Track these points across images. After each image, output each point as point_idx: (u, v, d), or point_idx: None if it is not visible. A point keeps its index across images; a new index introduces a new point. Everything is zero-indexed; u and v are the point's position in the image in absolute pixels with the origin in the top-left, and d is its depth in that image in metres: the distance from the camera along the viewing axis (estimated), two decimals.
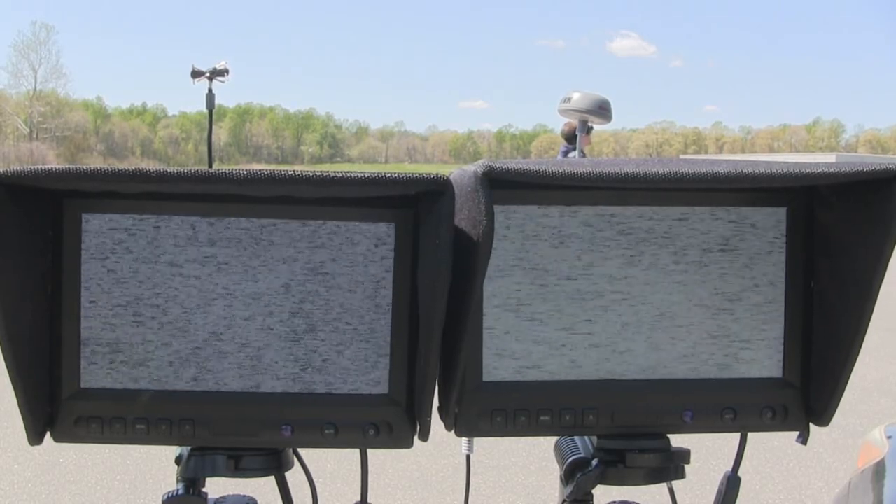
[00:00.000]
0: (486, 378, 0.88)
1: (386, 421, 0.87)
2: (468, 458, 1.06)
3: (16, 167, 0.74)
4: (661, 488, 0.97)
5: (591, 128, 5.50)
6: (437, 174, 0.78)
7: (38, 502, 3.37)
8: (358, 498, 0.96)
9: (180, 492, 0.89)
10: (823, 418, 0.91)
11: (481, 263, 0.77)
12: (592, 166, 0.81)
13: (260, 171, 0.75)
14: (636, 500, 1.00)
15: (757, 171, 0.80)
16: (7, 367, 0.78)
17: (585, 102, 3.73)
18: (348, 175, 0.76)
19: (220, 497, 0.96)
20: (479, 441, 1.02)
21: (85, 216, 0.83)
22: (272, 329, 0.86)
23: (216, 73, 7.90)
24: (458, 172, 0.84)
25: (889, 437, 1.81)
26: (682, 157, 1.54)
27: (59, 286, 0.84)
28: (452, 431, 0.90)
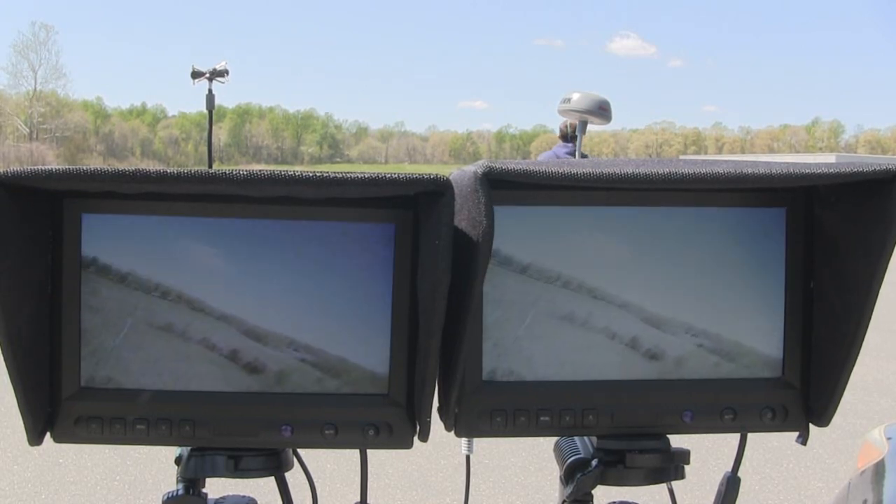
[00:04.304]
0: (485, 378, 0.88)
1: (386, 421, 0.87)
2: (468, 458, 1.06)
3: (15, 168, 0.74)
4: (660, 488, 0.97)
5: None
6: (436, 175, 0.78)
7: (38, 503, 3.37)
8: (357, 498, 0.96)
9: (180, 492, 0.89)
10: (823, 419, 0.91)
11: (481, 264, 0.77)
12: (592, 167, 0.81)
13: (260, 171, 0.75)
14: (636, 501, 1.00)
15: (757, 171, 0.80)
16: (7, 368, 0.78)
17: (585, 103, 3.73)
18: (348, 176, 0.76)
19: (220, 497, 0.96)
20: (478, 441, 1.02)
21: (85, 216, 0.83)
22: (272, 329, 0.86)
23: (216, 74, 7.88)
24: (458, 173, 0.84)
25: (889, 438, 1.82)
26: (681, 157, 1.54)
27: (59, 286, 0.84)
28: (452, 432, 0.90)
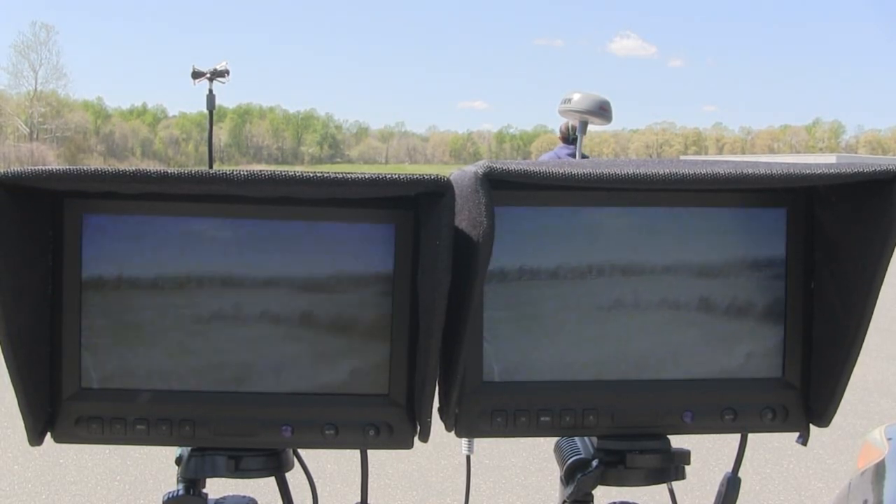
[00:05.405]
0: (486, 378, 0.88)
1: (386, 421, 0.88)
2: (468, 458, 1.06)
3: (16, 168, 0.74)
4: (661, 489, 0.97)
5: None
6: (437, 175, 0.78)
7: (38, 503, 3.37)
8: (358, 498, 0.96)
9: (180, 492, 0.90)
10: (824, 419, 0.91)
11: (481, 264, 0.77)
12: (592, 167, 0.81)
13: (260, 172, 0.75)
14: (636, 501, 1.00)
15: (757, 171, 0.80)
16: (7, 368, 0.78)
17: (586, 103, 3.72)
18: (348, 176, 0.76)
19: (220, 497, 0.96)
20: (479, 441, 1.03)
21: (85, 216, 0.83)
22: (272, 329, 0.86)
23: (216, 74, 7.88)
24: (459, 173, 0.84)
25: (889, 439, 1.82)
26: (682, 157, 1.54)
27: (59, 286, 0.84)
28: (452, 432, 0.90)
